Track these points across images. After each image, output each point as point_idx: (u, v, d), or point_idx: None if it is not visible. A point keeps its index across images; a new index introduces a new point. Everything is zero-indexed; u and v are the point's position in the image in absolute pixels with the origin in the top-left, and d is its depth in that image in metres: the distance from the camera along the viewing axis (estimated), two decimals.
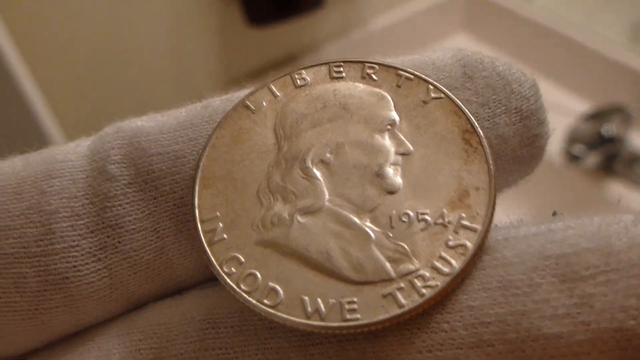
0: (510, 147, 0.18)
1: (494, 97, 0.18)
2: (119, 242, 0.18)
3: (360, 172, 0.17)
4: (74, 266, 0.18)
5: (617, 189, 0.60)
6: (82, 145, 0.19)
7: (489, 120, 0.17)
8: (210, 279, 0.19)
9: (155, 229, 0.18)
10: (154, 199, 0.18)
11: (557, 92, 0.74)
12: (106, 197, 0.18)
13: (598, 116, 0.62)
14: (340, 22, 0.78)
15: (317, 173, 0.17)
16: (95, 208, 0.18)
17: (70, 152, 0.19)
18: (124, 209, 0.18)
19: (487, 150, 0.16)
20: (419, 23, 0.83)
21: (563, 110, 0.69)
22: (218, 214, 0.17)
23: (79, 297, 0.18)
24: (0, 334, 0.18)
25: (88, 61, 0.64)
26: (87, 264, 0.18)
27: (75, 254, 0.18)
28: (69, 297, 0.18)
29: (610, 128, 0.61)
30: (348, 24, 0.79)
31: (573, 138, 0.64)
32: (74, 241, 0.18)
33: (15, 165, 0.19)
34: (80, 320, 0.18)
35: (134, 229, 0.18)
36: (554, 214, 0.16)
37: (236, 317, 0.17)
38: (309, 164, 0.17)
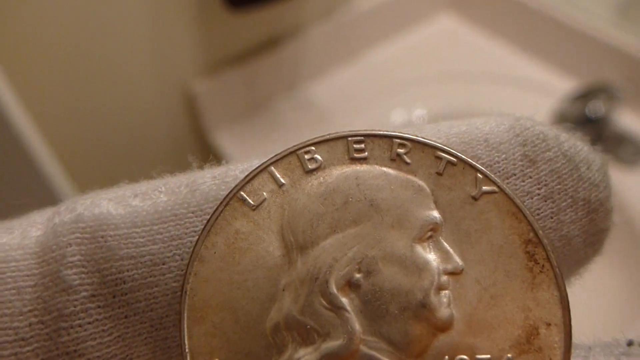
0: (574, 249, 0.14)
1: (559, 186, 0.14)
2: None
3: (401, 300, 0.13)
4: None
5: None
6: (30, 238, 0.14)
7: (552, 218, 0.14)
8: None
9: (126, 356, 0.14)
10: (125, 317, 0.14)
11: (542, 71, 0.72)
12: (61, 314, 0.14)
13: (583, 96, 0.61)
14: (323, 4, 0.72)
15: (345, 302, 0.13)
16: (47, 329, 0.14)
17: (13, 247, 0.14)
18: (85, 330, 0.14)
19: (557, 270, 0.13)
20: (404, 3, 0.78)
21: (548, 89, 0.67)
22: None
23: None
24: None
25: (63, 50, 0.56)
26: None
27: None
28: None
29: (595, 108, 0.59)
30: (332, 5, 0.73)
31: (558, 118, 0.62)
32: None
33: None
34: None
35: (99, 356, 0.14)
36: (630, 343, 0.13)
37: None
38: (333, 289, 0.13)
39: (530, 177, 0.14)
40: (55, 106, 0.58)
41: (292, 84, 0.74)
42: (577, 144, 0.15)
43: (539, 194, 0.14)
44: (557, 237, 0.14)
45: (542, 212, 0.14)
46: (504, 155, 0.14)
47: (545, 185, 0.14)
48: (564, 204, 0.14)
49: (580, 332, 0.13)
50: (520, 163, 0.15)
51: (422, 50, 0.79)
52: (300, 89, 0.75)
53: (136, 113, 0.65)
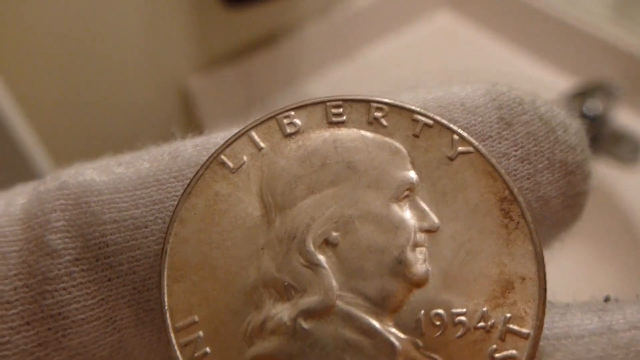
0: (552, 210, 0.15)
1: (535, 148, 0.14)
2: (64, 336, 0.14)
3: (377, 257, 0.13)
4: None
5: (601, 168, 0.60)
6: (15, 205, 0.15)
7: (529, 179, 0.14)
8: None
9: (110, 318, 0.14)
10: (109, 280, 0.14)
11: (540, 68, 0.72)
12: (46, 278, 0.14)
13: (581, 94, 0.61)
14: (320, 1, 0.72)
15: (322, 259, 0.13)
16: (32, 292, 0.14)
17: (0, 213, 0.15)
18: (69, 293, 0.14)
19: (532, 227, 0.13)
20: (402, 0, 0.78)
21: (546, 87, 0.67)
22: (196, 318, 0.13)
23: None
24: None
25: (58, 47, 0.56)
26: None
27: (5, 353, 0.14)
28: None
29: (593, 106, 0.59)
30: (329, 2, 0.73)
31: None
32: (3, 337, 0.14)
33: None
34: None
35: (82, 319, 0.14)
36: (607, 299, 0.14)
37: None
38: (310, 246, 0.13)
39: (507, 139, 0.15)
40: (49, 103, 0.59)
41: (289, 81, 0.74)
42: (553, 109, 0.15)
43: (515, 156, 0.14)
44: (534, 198, 0.14)
45: (518, 174, 0.14)
46: (480, 119, 0.15)
47: (521, 147, 0.15)
48: (540, 165, 0.14)
49: None
50: (496, 126, 0.15)
51: (419, 47, 0.79)
52: (297, 86, 0.75)
53: (132, 110, 0.65)
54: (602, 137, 0.61)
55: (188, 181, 0.14)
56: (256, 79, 0.70)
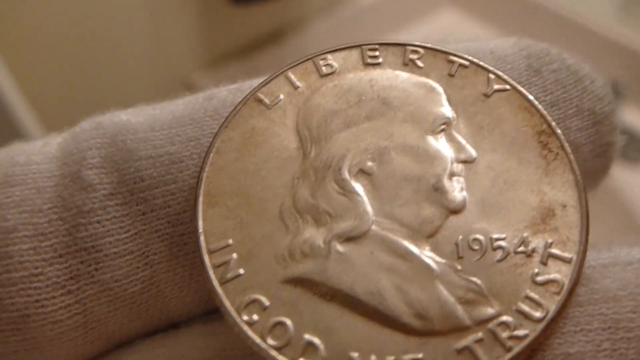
0: (582, 157, 0.14)
1: (564, 95, 0.15)
2: (96, 270, 0.14)
3: (413, 185, 0.13)
4: (37, 300, 0.13)
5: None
6: (51, 144, 0.15)
7: (559, 124, 0.14)
8: (213, 311, 0.15)
9: (143, 253, 0.14)
10: (142, 214, 0.14)
11: None
12: (80, 211, 0.14)
13: None
14: None
15: (357, 187, 0.13)
16: (66, 225, 0.14)
17: (35, 152, 0.15)
18: (103, 227, 0.14)
19: (571, 157, 0.13)
20: None
21: None
22: (230, 241, 0.13)
23: (43, 339, 0.14)
24: None
25: (62, 42, 0.58)
26: (53, 297, 0.14)
27: (38, 284, 0.13)
28: (30, 340, 0.14)
29: None
30: (334, 0, 0.74)
31: None
32: (36, 268, 0.14)
33: None
34: None
35: (115, 253, 0.14)
36: None
37: None
38: (346, 175, 0.13)
39: (536, 85, 0.15)
40: (53, 99, 0.59)
41: None
42: (579, 62, 0.15)
43: (545, 101, 0.14)
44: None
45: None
46: (509, 66, 0.15)
47: (550, 93, 0.15)
48: (569, 111, 0.15)
49: None
50: (525, 73, 0.15)
51: None
52: None
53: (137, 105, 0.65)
54: None
55: (223, 120, 0.14)
56: (262, 76, 0.71)
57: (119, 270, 0.14)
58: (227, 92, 0.15)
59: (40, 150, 0.15)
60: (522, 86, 0.14)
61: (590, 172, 0.15)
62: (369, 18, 0.77)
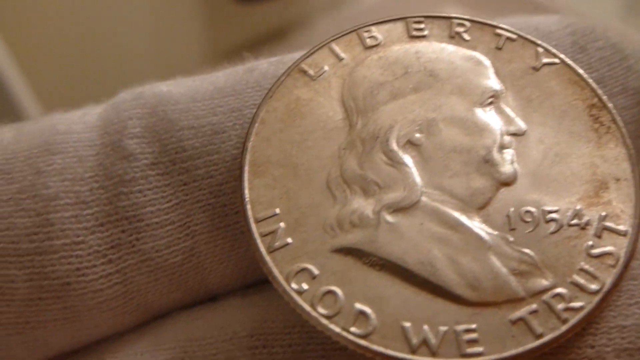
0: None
1: (609, 73, 0.14)
2: (137, 240, 0.14)
3: (463, 157, 0.13)
4: (77, 269, 0.13)
5: None
6: (91, 114, 0.15)
7: None
8: (252, 285, 0.15)
9: (184, 223, 0.14)
10: (184, 184, 0.14)
11: None
12: (122, 180, 0.14)
13: None
14: None
15: (406, 158, 0.13)
16: (108, 194, 0.14)
17: (75, 121, 0.15)
18: (144, 196, 0.14)
19: (624, 131, 0.13)
20: None
21: None
22: (277, 210, 0.13)
23: (83, 308, 0.14)
24: None
25: (65, 38, 0.58)
26: (94, 266, 0.13)
27: (79, 252, 0.13)
28: (70, 308, 0.13)
29: None
30: None
31: None
32: (78, 236, 0.13)
33: (5, 137, 0.14)
34: (84, 335, 0.14)
35: (157, 222, 0.14)
36: None
37: (295, 334, 0.13)
38: (394, 146, 0.13)
39: (582, 62, 0.14)
40: (58, 95, 0.59)
41: None
42: (625, 39, 0.15)
43: (590, 78, 0.14)
44: None
45: None
46: (554, 42, 0.15)
47: (596, 70, 0.14)
48: (615, 89, 0.14)
49: None
50: (570, 49, 0.15)
51: None
52: None
53: None
54: None
55: (266, 91, 0.14)
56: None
57: (160, 240, 0.14)
58: (268, 64, 0.15)
59: (80, 120, 0.15)
60: None
61: (636, 151, 0.15)
62: (373, 16, 0.76)
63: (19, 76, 0.47)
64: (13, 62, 0.47)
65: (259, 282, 0.15)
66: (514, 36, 0.14)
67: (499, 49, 0.14)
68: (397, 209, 0.12)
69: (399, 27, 0.15)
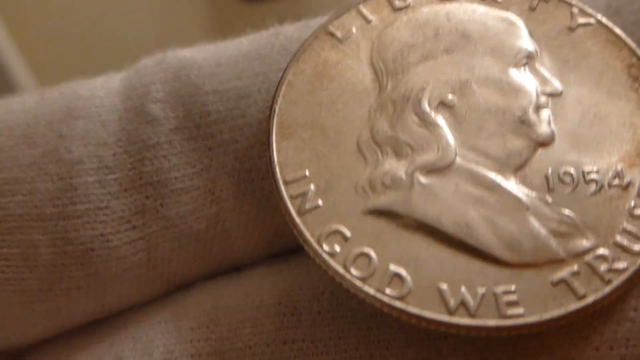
0: None
1: None
2: (162, 206, 0.13)
3: (498, 118, 0.12)
4: (102, 234, 0.13)
5: None
6: (114, 79, 0.15)
7: None
8: (277, 255, 0.15)
9: (209, 189, 0.13)
10: (209, 149, 0.14)
11: None
12: (146, 145, 0.13)
13: None
14: None
15: (439, 119, 0.13)
16: (131, 159, 0.13)
17: (97, 87, 0.14)
18: (169, 161, 0.13)
19: None
20: None
21: None
22: (307, 173, 0.12)
23: (107, 275, 0.13)
24: (2, 321, 0.14)
25: (70, 35, 0.57)
26: (118, 232, 0.13)
27: (103, 218, 0.13)
28: (94, 275, 0.13)
29: None
30: None
31: None
32: (102, 202, 0.13)
33: (27, 102, 0.14)
34: (108, 304, 0.14)
35: (181, 188, 0.13)
36: None
37: (324, 301, 0.13)
38: (426, 107, 0.13)
39: (617, 25, 0.14)
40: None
41: None
42: None
43: None
44: None
45: None
46: (588, 4, 0.14)
47: (631, 33, 0.14)
48: None
49: None
50: (604, 11, 0.14)
51: None
52: None
53: None
54: None
55: (292, 55, 0.14)
56: None
57: (185, 206, 0.13)
58: (293, 29, 0.15)
59: (103, 85, 0.15)
60: None
61: None
62: None
63: (24, 73, 0.47)
64: (17, 56, 0.47)
65: (284, 253, 0.14)
66: None
67: (533, 9, 0.14)
68: (431, 170, 0.12)
69: None
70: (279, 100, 0.13)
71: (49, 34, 0.55)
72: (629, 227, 0.11)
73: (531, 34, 0.13)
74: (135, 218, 0.13)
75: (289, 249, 0.14)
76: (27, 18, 0.54)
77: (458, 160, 0.12)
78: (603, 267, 0.11)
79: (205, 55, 0.15)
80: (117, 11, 0.59)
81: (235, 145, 0.14)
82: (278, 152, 0.13)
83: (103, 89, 0.15)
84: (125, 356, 0.13)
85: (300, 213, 0.12)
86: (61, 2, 0.55)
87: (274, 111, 0.13)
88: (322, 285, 0.13)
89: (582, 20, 0.13)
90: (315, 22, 0.15)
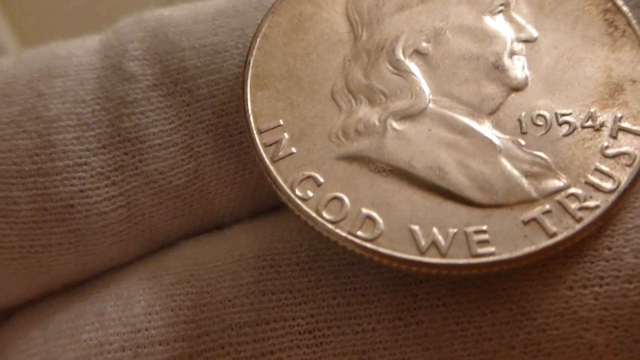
0: None
1: None
2: (140, 161, 0.13)
3: (472, 64, 0.12)
4: (81, 190, 0.13)
5: None
6: (92, 39, 0.15)
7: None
8: (257, 213, 0.15)
9: (188, 145, 0.14)
10: (187, 105, 0.14)
11: None
12: (123, 101, 0.14)
13: None
14: None
15: (413, 67, 0.12)
16: (109, 116, 0.14)
17: (76, 46, 0.14)
18: (147, 117, 0.14)
19: None
20: None
21: None
22: (281, 121, 0.12)
23: (87, 232, 0.13)
24: None
25: (69, 34, 0.57)
26: (97, 188, 0.13)
27: (82, 174, 0.13)
28: (74, 232, 0.13)
29: None
30: None
31: None
32: (80, 158, 0.13)
33: (5, 62, 0.14)
34: (89, 262, 0.14)
35: (160, 144, 0.13)
36: None
37: (302, 253, 0.13)
38: (400, 55, 0.13)
39: None
40: None
41: None
42: None
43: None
44: None
45: None
46: None
47: None
48: (632, 2, 0.14)
49: None
50: None
51: None
52: None
53: None
54: None
55: (268, 9, 0.14)
56: None
57: (164, 162, 0.14)
58: None
59: (81, 45, 0.15)
60: None
61: None
62: None
63: (9, 38, 0.47)
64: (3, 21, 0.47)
65: (266, 210, 0.14)
66: None
67: None
68: (404, 116, 0.12)
69: None
70: (254, 52, 0.13)
71: (44, 18, 0.55)
72: (602, 166, 0.11)
73: None
74: (114, 174, 0.13)
75: (269, 205, 0.14)
76: None
77: (431, 105, 0.12)
78: (574, 205, 0.11)
79: (183, 13, 0.15)
80: (115, 9, 0.58)
81: (213, 100, 0.14)
82: (253, 102, 0.13)
83: (81, 48, 0.15)
84: (107, 312, 0.13)
85: (273, 160, 0.12)
86: None
87: (249, 63, 0.13)
88: (300, 238, 0.13)
89: None
90: None
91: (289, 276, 0.13)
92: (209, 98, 0.14)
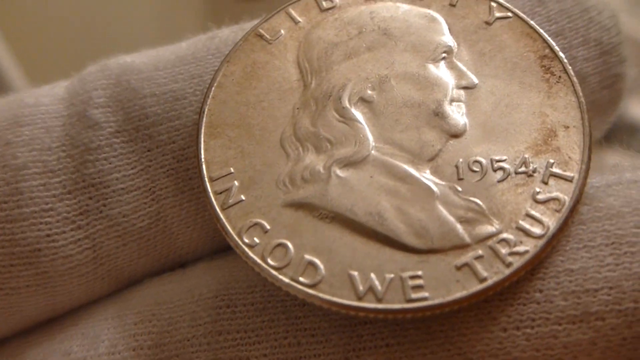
0: (589, 88, 0.14)
1: (569, 25, 0.14)
2: (104, 205, 0.14)
3: (414, 111, 0.13)
4: (47, 235, 0.14)
5: (616, 160, 0.57)
6: (59, 87, 0.15)
7: (564, 54, 0.14)
8: (220, 251, 0.15)
9: (149, 188, 0.14)
10: (148, 150, 0.14)
11: None
12: (88, 148, 0.14)
13: None
14: None
15: (358, 114, 0.13)
16: (74, 162, 0.14)
17: (43, 94, 0.15)
18: (110, 163, 0.14)
19: (575, 79, 0.13)
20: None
21: None
22: (232, 169, 0.13)
23: (55, 274, 0.14)
24: None
25: (67, 34, 0.58)
26: (64, 232, 0.14)
27: (48, 219, 0.14)
28: (42, 274, 0.14)
29: None
30: None
31: None
32: (47, 204, 0.14)
33: None
34: (58, 302, 0.15)
35: (122, 188, 0.14)
36: None
37: (257, 293, 0.13)
38: (346, 103, 0.13)
39: (540, 15, 0.14)
40: None
41: None
42: None
43: (549, 30, 0.14)
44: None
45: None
46: None
47: (555, 22, 0.14)
48: (575, 41, 0.14)
49: None
50: (529, 3, 0.15)
51: None
52: None
53: None
54: (616, 128, 0.59)
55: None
56: None
57: (127, 205, 0.14)
58: (229, 32, 0.15)
59: (48, 93, 0.15)
60: (526, 16, 0.14)
61: (599, 104, 0.15)
62: None
63: (17, 73, 0.48)
64: (9, 56, 0.48)
65: (226, 249, 0.15)
66: None
67: (453, 5, 0.14)
68: (348, 163, 0.13)
69: None
70: (209, 101, 0.14)
71: (42, 34, 0.56)
72: (532, 211, 0.12)
73: (450, 29, 0.14)
74: (79, 218, 0.14)
75: (230, 245, 0.15)
76: (20, 16, 0.55)
77: (374, 153, 0.13)
78: (505, 251, 0.11)
79: (145, 60, 0.15)
80: (112, 10, 0.59)
81: (173, 146, 0.14)
82: (206, 150, 0.13)
83: (49, 96, 0.15)
84: (73, 351, 0.14)
85: (223, 208, 0.12)
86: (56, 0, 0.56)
87: (204, 112, 0.14)
88: (255, 278, 0.13)
89: (499, 14, 0.14)
90: (251, 24, 0.15)
91: (244, 316, 0.13)
92: (169, 144, 0.14)
